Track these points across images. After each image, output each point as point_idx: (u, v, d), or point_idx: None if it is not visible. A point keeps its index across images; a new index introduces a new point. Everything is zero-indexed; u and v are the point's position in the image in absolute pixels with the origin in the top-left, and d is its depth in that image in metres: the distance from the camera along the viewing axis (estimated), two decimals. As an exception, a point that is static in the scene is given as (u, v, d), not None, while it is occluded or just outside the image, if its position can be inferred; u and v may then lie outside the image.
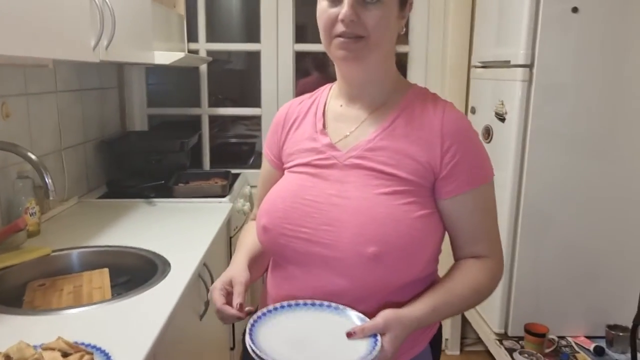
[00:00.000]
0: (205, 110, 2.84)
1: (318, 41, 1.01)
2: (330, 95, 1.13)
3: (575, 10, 1.88)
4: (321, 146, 1.05)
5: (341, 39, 0.96)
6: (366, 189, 0.98)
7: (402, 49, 2.81)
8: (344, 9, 0.93)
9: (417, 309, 0.94)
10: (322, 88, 1.17)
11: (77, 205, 2.10)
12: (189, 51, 2.74)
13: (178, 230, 1.83)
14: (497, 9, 2.22)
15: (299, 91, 2.82)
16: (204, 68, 2.79)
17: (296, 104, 1.17)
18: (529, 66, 1.94)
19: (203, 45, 2.77)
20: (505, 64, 2.07)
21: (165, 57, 2.06)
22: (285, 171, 1.11)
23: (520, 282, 2.08)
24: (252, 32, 2.79)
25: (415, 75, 2.77)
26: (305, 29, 2.81)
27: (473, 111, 2.44)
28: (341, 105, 1.09)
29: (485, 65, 2.36)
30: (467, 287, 1.00)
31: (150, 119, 2.85)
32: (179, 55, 2.05)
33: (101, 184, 2.38)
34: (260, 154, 2.86)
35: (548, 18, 1.89)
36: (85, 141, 2.28)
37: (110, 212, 2.01)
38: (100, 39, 1.49)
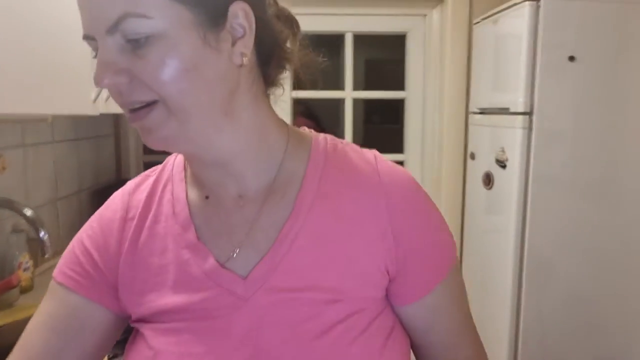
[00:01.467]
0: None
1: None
2: (187, 181, 0.70)
3: (572, 58, 1.90)
4: (202, 275, 0.63)
5: (127, 112, 0.59)
6: (295, 338, 0.60)
7: (398, 95, 2.84)
8: (97, 73, 0.56)
9: None
10: (163, 164, 0.76)
11: (71, 257, 2.05)
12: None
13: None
14: (493, 56, 2.24)
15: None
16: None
17: (132, 192, 0.74)
18: (529, 113, 1.94)
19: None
20: (504, 111, 2.07)
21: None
22: (139, 327, 0.65)
23: (526, 332, 2.04)
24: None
25: (413, 121, 2.78)
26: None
27: (472, 157, 2.44)
28: (207, 197, 0.68)
29: (484, 112, 2.37)
30: None
31: (145, 166, 2.82)
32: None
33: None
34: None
35: (545, 66, 1.91)
36: (80, 190, 2.24)
37: (105, 264, 1.95)
38: (101, 91, 1.47)
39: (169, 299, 0.63)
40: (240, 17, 0.59)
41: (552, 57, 1.91)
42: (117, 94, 0.58)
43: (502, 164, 2.09)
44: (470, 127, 2.51)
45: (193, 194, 0.69)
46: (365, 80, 4.11)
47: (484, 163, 2.28)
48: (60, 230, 2.02)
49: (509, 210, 2.02)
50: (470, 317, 0.75)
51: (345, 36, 2.73)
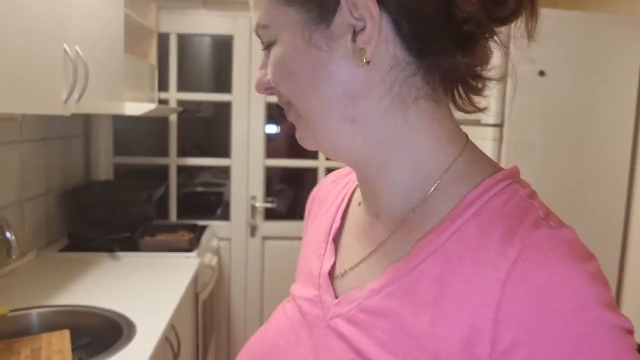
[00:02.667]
0: (173, 160, 2.79)
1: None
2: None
3: (542, 73, 1.95)
4: (317, 275, 0.61)
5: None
6: None
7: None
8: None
9: None
10: None
11: (36, 260, 2.00)
12: (160, 100, 2.71)
13: (143, 288, 1.76)
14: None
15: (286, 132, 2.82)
16: (173, 117, 2.76)
17: (328, 182, 0.73)
18: (500, 125, 1.98)
19: (174, 95, 2.75)
20: (476, 122, 2.11)
21: (136, 108, 2.02)
22: None
23: None
24: (222, 82, 2.79)
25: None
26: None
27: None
28: (359, 204, 0.62)
29: (455, 122, 2.40)
30: None
31: (116, 168, 2.78)
32: (150, 106, 2.02)
33: (63, 235, 2.28)
34: (227, 204, 2.81)
35: (516, 80, 1.95)
36: (47, 191, 2.19)
37: (71, 266, 1.92)
38: (72, 92, 1.45)
39: (298, 286, 0.66)
40: (359, 5, 0.48)
41: (523, 70, 1.95)
42: (273, 94, 0.57)
43: None
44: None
45: (355, 197, 0.65)
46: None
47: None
48: (26, 231, 1.97)
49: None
50: None
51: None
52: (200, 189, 3.07)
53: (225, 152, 2.80)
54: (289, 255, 2.77)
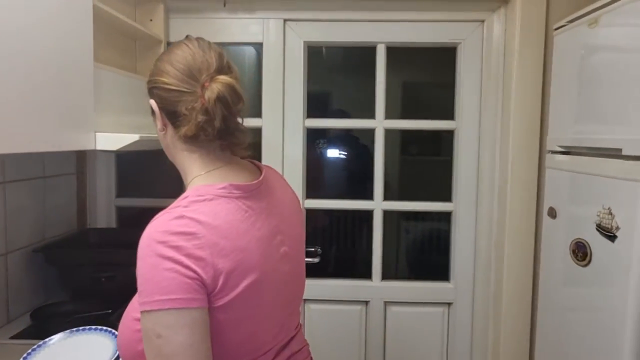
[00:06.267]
0: (189, 202, 2.20)
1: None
2: None
3: None
4: None
5: None
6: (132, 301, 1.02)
7: (446, 125, 2.18)
8: None
9: None
10: None
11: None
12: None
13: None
14: (588, 73, 1.56)
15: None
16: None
17: None
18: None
19: (189, 120, 2.16)
20: (610, 153, 1.38)
21: (112, 140, 1.44)
22: None
23: None
24: (249, 101, 2.18)
25: (466, 159, 2.10)
26: (320, 99, 2.20)
27: (553, 214, 1.73)
28: None
29: (569, 151, 1.68)
30: None
31: (119, 211, 2.22)
32: (131, 138, 1.42)
33: (28, 310, 1.72)
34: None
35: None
36: (8, 252, 1.64)
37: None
38: None
39: None
40: (151, 107, 1.06)
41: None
42: None
43: (608, 233, 1.38)
44: (548, 172, 1.81)
45: None
46: (402, 106, 3.44)
47: (575, 227, 1.58)
48: (9, 292, 1.42)
49: (623, 304, 1.31)
50: None
51: (377, 49, 2.10)
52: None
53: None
54: (334, 324, 2.11)
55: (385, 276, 2.19)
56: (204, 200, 0.94)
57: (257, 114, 2.14)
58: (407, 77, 2.35)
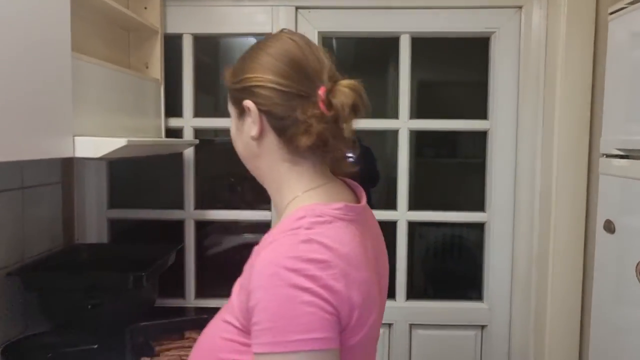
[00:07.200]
0: (190, 214, 1.96)
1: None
2: None
3: None
4: None
5: None
6: (222, 313, 0.86)
7: (480, 125, 1.94)
8: None
9: None
10: None
11: None
12: (169, 130, 1.90)
13: None
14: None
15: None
16: (189, 152, 1.94)
17: None
18: None
19: (189, 121, 1.93)
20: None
21: (94, 146, 1.20)
22: None
23: None
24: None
25: (500, 163, 1.86)
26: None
27: (611, 228, 1.49)
28: None
29: (630, 155, 1.44)
30: None
31: (110, 223, 1.99)
32: (117, 142, 1.18)
33: (1, 343, 1.48)
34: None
35: None
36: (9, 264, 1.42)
37: None
38: None
39: None
40: (246, 110, 0.88)
41: None
42: None
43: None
44: (602, 179, 1.56)
45: None
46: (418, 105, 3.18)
47: (636, 242, 1.34)
48: None
49: None
50: None
51: (401, 39, 1.86)
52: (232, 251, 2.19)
53: (268, 202, 1.94)
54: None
55: (411, 295, 1.95)
56: (324, 222, 0.80)
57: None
58: (425, 73, 2.11)
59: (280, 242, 0.76)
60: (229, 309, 0.81)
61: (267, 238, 0.80)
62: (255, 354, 0.73)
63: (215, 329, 0.84)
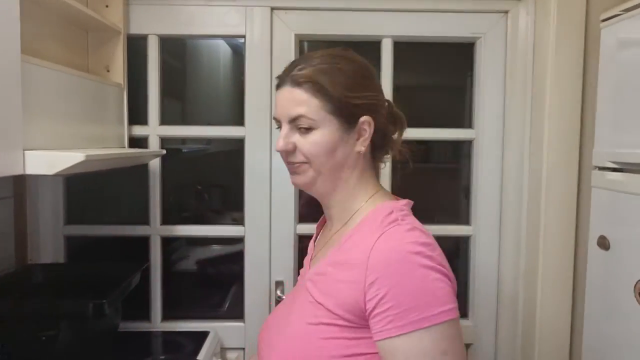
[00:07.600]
0: (156, 230, 1.81)
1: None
2: None
3: None
4: (306, 260, 1.10)
5: (287, 164, 1.00)
6: (301, 318, 0.93)
7: (465, 134, 1.85)
8: (278, 141, 0.96)
9: None
10: None
11: None
12: (132, 140, 1.75)
13: None
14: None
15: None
16: (154, 163, 1.79)
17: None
18: None
19: (155, 130, 1.78)
20: None
21: (47, 161, 1.05)
22: None
23: None
24: (229, 108, 1.82)
25: (486, 175, 1.78)
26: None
27: (605, 245, 1.41)
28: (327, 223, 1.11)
29: (623, 168, 1.37)
30: None
31: (68, 241, 1.82)
32: (74, 158, 1.04)
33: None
34: (240, 296, 1.82)
35: None
36: None
37: None
38: None
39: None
40: (366, 125, 0.97)
41: None
42: (285, 154, 0.98)
43: None
44: (595, 193, 1.49)
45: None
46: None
47: (634, 260, 1.27)
48: None
49: None
50: None
51: (382, 43, 1.76)
52: (200, 267, 2.05)
53: (237, 209, 1.81)
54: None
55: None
56: (407, 214, 0.95)
57: (238, 121, 1.77)
58: (403, 79, 2.02)
59: (389, 234, 0.87)
60: (313, 312, 0.90)
61: (349, 241, 0.93)
62: (397, 336, 0.81)
63: (305, 335, 0.90)
